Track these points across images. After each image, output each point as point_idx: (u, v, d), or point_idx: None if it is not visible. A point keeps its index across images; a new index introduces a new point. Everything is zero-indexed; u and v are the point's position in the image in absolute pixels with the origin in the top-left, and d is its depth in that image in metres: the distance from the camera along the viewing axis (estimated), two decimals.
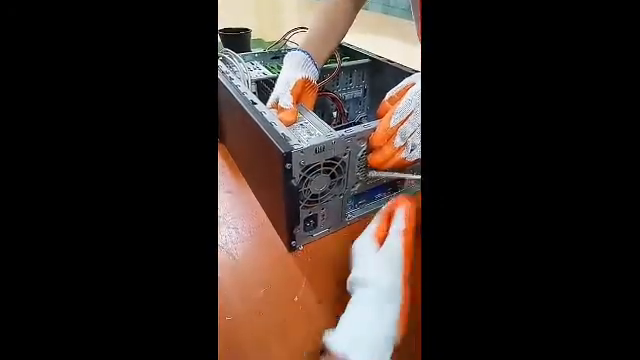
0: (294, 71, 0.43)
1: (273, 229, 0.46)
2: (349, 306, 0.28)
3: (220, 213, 0.48)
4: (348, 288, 0.29)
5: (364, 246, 0.29)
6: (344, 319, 0.27)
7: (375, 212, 0.47)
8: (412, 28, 0.62)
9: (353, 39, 0.67)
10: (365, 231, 0.31)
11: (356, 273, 0.28)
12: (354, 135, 0.37)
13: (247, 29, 0.86)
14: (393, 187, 0.48)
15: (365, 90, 0.66)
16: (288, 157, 0.33)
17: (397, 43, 1.67)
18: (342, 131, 0.38)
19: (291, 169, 0.34)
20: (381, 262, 0.27)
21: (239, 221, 0.47)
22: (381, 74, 0.61)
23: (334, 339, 0.25)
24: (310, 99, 0.44)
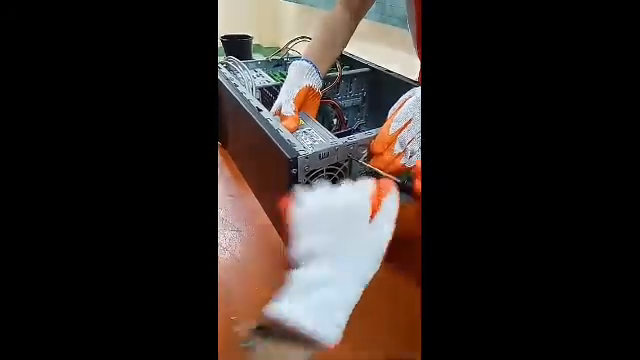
0: (298, 79, 0.45)
1: (275, 232, 0.47)
2: None
3: (223, 216, 0.49)
4: None
5: None
6: None
7: None
8: (407, 37, 0.65)
9: (350, 46, 0.69)
10: None
11: None
12: (356, 142, 0.39)
13: (248, 36, 0.88)
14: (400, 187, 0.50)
15: (364, 98, 0.68)
16: (294, 163, 0.35)
17: (393, 51, 1.71)
18: (345, 138, 0.39)
19: (296, 174, 0.36)
20: None
21: (242, 224, 0.49)
22: (380, 83, 0.63)
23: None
24: (313, 107, 0.46)
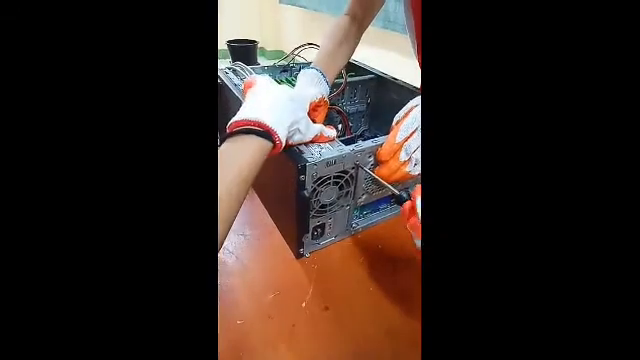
0: (307, 87, 0.46)
1: (280, 236, 0.48)
2: None
3: None
4: None
5: None
6: None
7: (379, 223, 0.49)
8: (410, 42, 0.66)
9: (355, 53, 0.70)
10: None
11: None
12: (363, 150, 0.40)
13: (254, 41, 0.88)
14: (396, 199, 0.50)
15: (368, 104, 0.68)
16: (302, 169, 0.36)
17: (396, 56, 1.72)
18: (352, 145, 0.40)
19: (304, 181, 0.36)
20: None
21: (247, 228, 0.49)
22: (384, 90, 0.64)
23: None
24: (321, 114, 0.47)
